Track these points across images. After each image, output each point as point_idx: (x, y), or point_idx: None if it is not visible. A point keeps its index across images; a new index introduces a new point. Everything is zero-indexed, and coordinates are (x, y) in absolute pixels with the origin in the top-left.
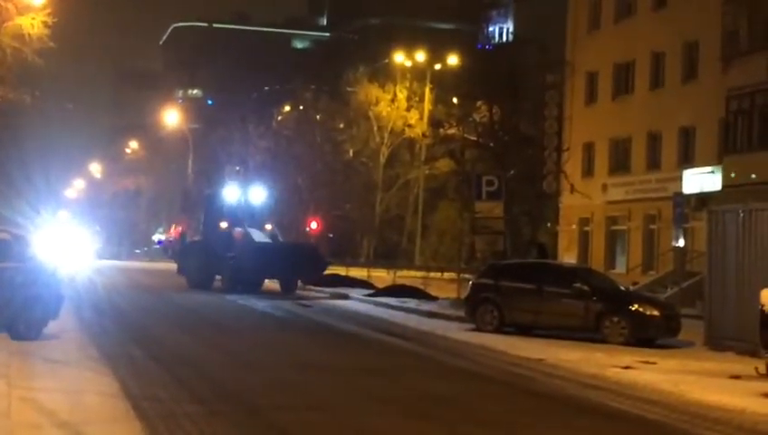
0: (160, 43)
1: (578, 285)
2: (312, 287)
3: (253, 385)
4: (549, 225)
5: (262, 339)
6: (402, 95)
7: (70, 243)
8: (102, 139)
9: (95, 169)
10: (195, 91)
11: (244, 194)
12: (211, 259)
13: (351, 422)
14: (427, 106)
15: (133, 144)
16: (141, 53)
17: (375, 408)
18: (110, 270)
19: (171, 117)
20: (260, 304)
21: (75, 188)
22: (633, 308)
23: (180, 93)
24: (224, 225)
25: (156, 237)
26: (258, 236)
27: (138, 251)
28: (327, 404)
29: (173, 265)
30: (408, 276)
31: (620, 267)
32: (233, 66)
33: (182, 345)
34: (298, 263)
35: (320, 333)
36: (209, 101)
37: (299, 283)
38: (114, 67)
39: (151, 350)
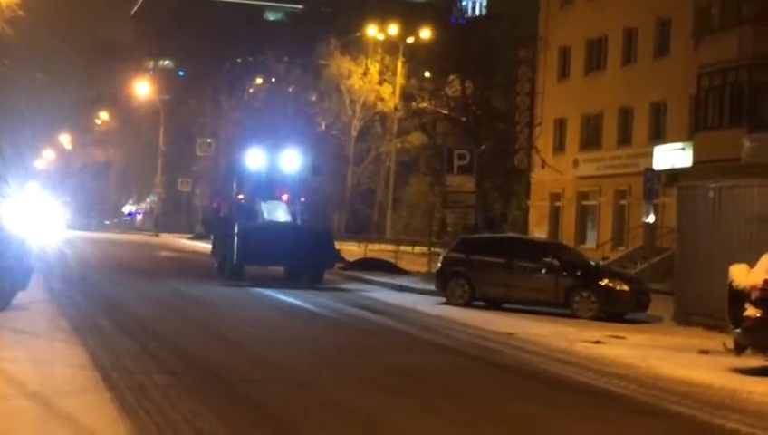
0: (132, 13)
1: (548, 259)
2: None
3: (224, 358)
4: (527, 201)
5: (233, 312)
6: (374, 69)
7: (39, 214)
8: (72, 109)
9: (65, 139)
10: (166, 63)
11: (273, 160)
12: (227, 239)
13: (323, 396)
14: (400, 80)
15: (104, 115)
16: (112, 24)
17: (346, 382)
18: (80, 241)
19: (142, 88)
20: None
21: (45, 158)
22: (603, 283)
23: (151, 64)
24: (240, 197)
25: (126, 209)
26: (282, 212)
27: (107, 222)
28: (299, 379)
29: (143, 237)
30: (380, 250)
31: (591, 242)
32: (204, 37)
33: (153, 318)
34: (307, 250)
35: (290, 306)
36: (180, 73)
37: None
38: (85, 37)
39: (122, 322)
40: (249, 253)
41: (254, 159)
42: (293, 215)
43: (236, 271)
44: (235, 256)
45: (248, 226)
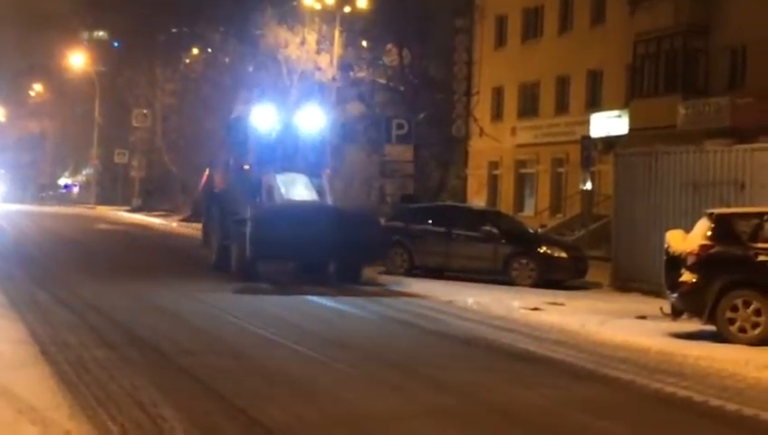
0: None
1: (487, 227)
2: None
3: (162, 331)
4: (466, 170)
5: (169, 282)
6: (311, 38)
7: None
8: (5, 81)
9: None
10: (100, 33)
11: (287, 119)
12: (226, 222)
13: (259, 367)
14: (337, 49)
15: (37, 87)
16: None
17: (280, 352)
18: (16, 214)
19: (76, 59)
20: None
21: None
22: (541, 250)
23: (86, 35)
24: (245, 168)
25: (62, 181)
26: (303, 188)
27: (43, 195)
28: (236, 351)
29: (80, 211)
30: None
31: (529, 210)
32: (139, 8)
33: (92, 291)
34: (349, 240)
35: (225, 280)
36: (115, 44)
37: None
38: (17, 6)
39: (60, 296)
40: (268, 243)
41: (264, 118)
42: (319, 192)
43: (250, 268)
44: (248, 248)
45: (266, 207)
